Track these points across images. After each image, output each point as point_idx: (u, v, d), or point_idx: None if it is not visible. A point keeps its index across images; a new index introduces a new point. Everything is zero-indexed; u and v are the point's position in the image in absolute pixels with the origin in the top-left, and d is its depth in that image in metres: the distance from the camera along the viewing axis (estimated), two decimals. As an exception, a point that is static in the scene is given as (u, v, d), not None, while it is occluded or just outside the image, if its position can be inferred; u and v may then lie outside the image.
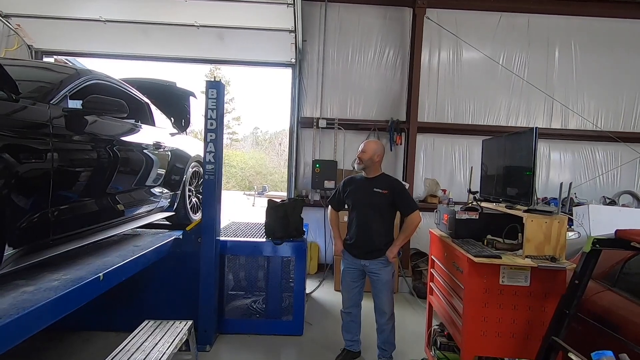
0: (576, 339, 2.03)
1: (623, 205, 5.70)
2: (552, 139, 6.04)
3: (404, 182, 5.58)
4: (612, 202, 5.72)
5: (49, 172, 1.88)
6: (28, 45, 5.71)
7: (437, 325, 3.15)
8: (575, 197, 5.66)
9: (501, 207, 2.74)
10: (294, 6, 4.90)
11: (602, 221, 4.10)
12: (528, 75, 5.96)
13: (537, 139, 2.41)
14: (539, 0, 5.85)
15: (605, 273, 2.46)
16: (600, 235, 2.04)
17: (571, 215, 4.39)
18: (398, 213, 3.11)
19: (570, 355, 1.77)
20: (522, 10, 5.92)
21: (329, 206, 3.34)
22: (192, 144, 3.99)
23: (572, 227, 4.17)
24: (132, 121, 2.97)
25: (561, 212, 2.40)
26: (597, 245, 1.99)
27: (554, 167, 6.14)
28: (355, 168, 3.12)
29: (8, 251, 1.69)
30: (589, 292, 2.20)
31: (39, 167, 1.83)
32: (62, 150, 1.99)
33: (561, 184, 2.45)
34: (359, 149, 3.07)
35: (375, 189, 2.99)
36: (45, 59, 5.86)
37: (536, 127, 2.47)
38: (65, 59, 5.65)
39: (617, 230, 2.00)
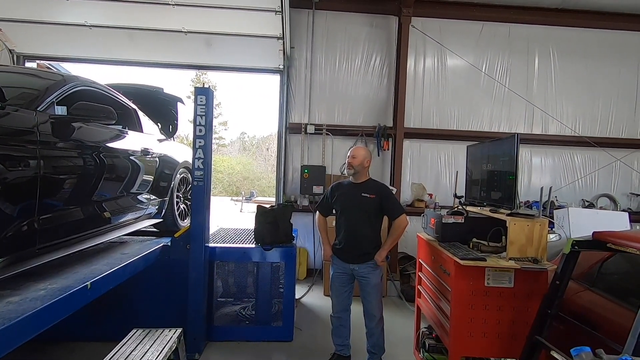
0: (558, 338, 2.11)
1: (601, 208, 5.93)
2: (533, 144, 6.24)
3: (391, 187, 5.67)
4: (591, 205, 5.95)
5: (36, 180, 1.85)
6: (10, 50, 5.59)
7: (425, 327, 3.20)
8: (556, 200, 5.84)
9: (485, 211, 2.83)
10: (282, 13, 4.95)
11: (581, 223, 4.24)
12: (509, 83, 6.16)
13: (518, 145, 2.51)
14: (519, 10, 6.06)
15: (584, 273, 2.55)
16: (578, 237, 2.13)
17: (552, 218, 4.53)
18: (386, 217, 3.16)
19: (553, 353, 1.84)
20: (503, 20, 6.13)
21: (317, 212, 3.37)
22: (180, 150, 3.97)
23: (553, 229, 4.31)
24: (120, 127, 2.95)
25: (542, 215, 2.50)
26: (576, 247, 2.07)
27: (536, 171, 6.33)
28: (346, 174, 3.17)
29: (-7, 260, 1.66)
30: (569, 292, 2.28)
31: (25, 174, 1.80)
32: (48, 157, 1.97)
33: (541, 188, 2.55)
34: (348, 155, 3.12)
35: (363, 194, 3.04)
36: (28, 64, 5.75)
37: (517, 134, 2.57)
38: (49, 64, 5.55)
39: (594, 233, 2.09)
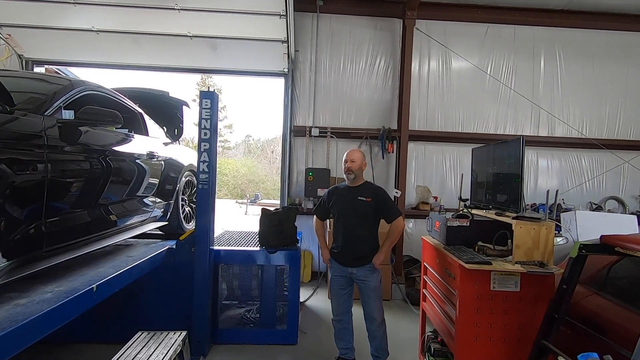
0: (565, 343, 2.08)
1: (609, 211, 5.86)
2: (539, 147, 6.19)
3: (396, 190, 5.66)
4: (599, 208, 5.87)
5: (43, 183, 1.88)
6: (18, 55, 5.68)
7: (430, 331, 3.17)
8: (563, 203, 5.79)
9: (491, 214, 2.81)
10: (287, 17, 4.98)
11: (589, 226, 4.19)
12: (515, 84, 6.12)
13: (524, 147, 2.49)
14: (524, 12, 6.03)
15: (592, 277, 2.52)
16: (586, 241, 2.10)
17: (559, 221, 4.48)
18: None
19: (560, 358, 1.82)
20: (508, 22, 6.10)
21: (314, 216, 3.37)
22: (185, 153, 4.00)
23: (560, 232, 4.26)
24: (126, 131, 2.98)
25: (549, 218, 2.47)
26: (584, 251, 2.04)
27: (542, 174, 6.27)
28: (346, 178, 3.15)
29: (1, 263, 1.68)
30: (577, 296, 2.25)
31: (33, 178, 1.83)
32: (56, 161, 1.99)
33: (548, 191, 2.53)
34: (346, 159, 3.09)
35: (359, 197, 3.03)
36: (36, 69, 5.83)
37: (523, 136, 2.55)
38: (57, 69, 5.63)
39: (602, 236, 2.06)
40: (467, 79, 6.12)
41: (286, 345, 3.63)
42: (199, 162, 3.39)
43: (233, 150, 32.20)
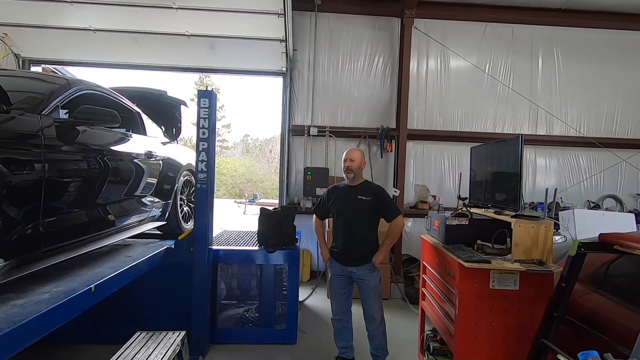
0: (565, 341, 2.08)
1: (607, 209, 5.88)
2: (537, 145, 6.20)
3: (395, 189, 5.66)
4: (597, 206, 5.89)
5: (40, 183, 1.86)
6: (15, 54, 5.64)
7: (429, 330, 3.18)
8: (561, 201, 5.80)
9: (490, 213, 2.81)
10: (285, 16, 4.96)
11: (587, 225, 4.20)
12: (513, 83, 6.13)
13: (523, 146, 2.50)
14: (523, 11, 6.03)
15: (591, 276, 2.53)
16: (585, 239, 2.11)
17: (557, 219, 4.49)
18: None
19: (559, 357, 1.82)
20: (507, 21, 6.10)
21: (314, 215, 3.37)
22: (183, 153, 3.99)
23: (558, 231, 4.27)
24: (124, 131, 2.96)
25: (547, 216, 2.48)
26: (582, 249, 2.05)
27: (540, 173, 6.29)
28: (345, 177, 3.14)
29: (-2, 264, 1.67)
30: (576, 294, 2.26)
31: (30, 177, 1.81)
32: (53, 161, 1.98)
33: (547, 189, 2.53)
34: (345, 158, 3.08)
35: (359, 197, 3.03)
36: (33, 68, 5.80)
37: (522, 135, 2.56)
38: (54, 68, 5.61)
39: (600, 234, 2.06)
40: (466, 78, 6.12)
41: (285, 345, 3.62)
42: (197, 161, 3.38)
43: (231, 150, 32.17)
